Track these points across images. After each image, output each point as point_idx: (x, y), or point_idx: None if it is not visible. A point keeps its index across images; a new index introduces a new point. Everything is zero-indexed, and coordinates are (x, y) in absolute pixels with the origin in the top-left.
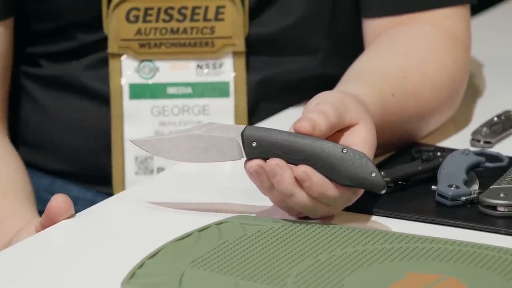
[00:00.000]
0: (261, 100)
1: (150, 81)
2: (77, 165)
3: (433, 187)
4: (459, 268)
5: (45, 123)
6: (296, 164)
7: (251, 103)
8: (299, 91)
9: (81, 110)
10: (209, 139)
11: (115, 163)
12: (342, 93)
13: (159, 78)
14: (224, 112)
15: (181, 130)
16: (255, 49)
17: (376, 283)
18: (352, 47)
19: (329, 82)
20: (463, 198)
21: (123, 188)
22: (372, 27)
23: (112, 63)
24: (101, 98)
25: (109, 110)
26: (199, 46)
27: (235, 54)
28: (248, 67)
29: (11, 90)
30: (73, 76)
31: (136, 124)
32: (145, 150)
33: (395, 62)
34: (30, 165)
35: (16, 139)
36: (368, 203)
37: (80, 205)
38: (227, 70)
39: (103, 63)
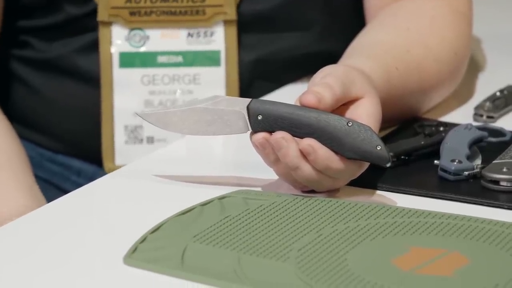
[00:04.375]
0: (256, 78)
1: (140, 50)
2: (75, 146)
3: (435, 161)
4: (462, 242)
5: (39, 106)
6: (301, 137)
7: (246, 81)
8: (295, 69)
9: (74, 93)
10: (214, 112)
11: (104, 132)
12: (348, 67)
13: (149, 47)
14: (215, 82)
15: (186, 103)
16: (249, 26)
17: (379, 257)
18: (348, 22)
19: (325, 59)
20: (466, 172)
21: (112, 157)
22: (374, 2)
23: (102, 31)
24: (94, 80)
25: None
26: (190, 15)
27: (226, 22)
28: (243, 45)
29: (5, 75)
30: (64, 58)
31: (126, 93)
32: (150, 123)
33: (398, 36)
34: (30, 141)
35: (13, 120)
36: (371, 178)
37: (83, 177)
38: (218, 38)
39: (94, 46)
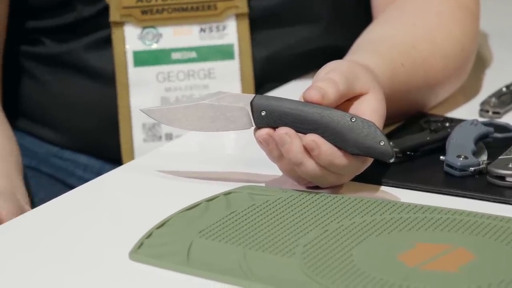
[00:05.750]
0: (268, 75)
1: (154, 48)
2: (83, 141)
3: (441, 157)
4: (468, 238)
5: (47, 101)
6: (305, 133)
7: (258, 79)
8: (304, 65)
9: (84, 89)
10: (218, 108)
11: (122, 131)
12: (352, 62)
13: (163, 44)
14: (230, 75)
15: (190, 99)
16: (259, 22)
17: (384, 253)
18: (354, 17)
19: (333, 54)
20: (472, 168)
21: (132, 156)
22: None
23: (115, 31)
24: (104, 77)
25: (112, 89)
26: (202, 10)
27: (238, 16)
28: (254, 42)
29: (15, 71)
30: (75, 55)
31: (142, 91)
32: (155, 120)
33: (404, 32)
34: (36, 137)
35: (21, 115)
36: (376, 173)
37: (88, 172)
38: (231, 32)
39: (105, 42)
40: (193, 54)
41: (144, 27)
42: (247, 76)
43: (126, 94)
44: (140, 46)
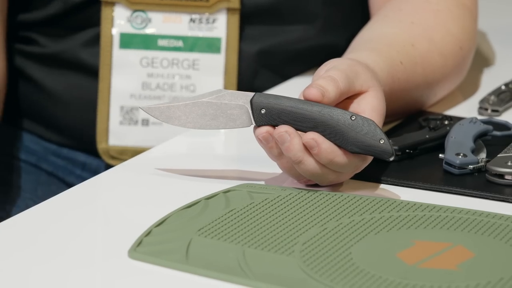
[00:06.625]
0: (260, 70)
1: (141, 32)
2: (77, 139)
3: (440, 155)
4: (467, 236)
5: (43, 99)
6: (305, 131)
7: (249, 73)
8: (298, 62)
9: (78, 86)
10: (218, 106)
11: (100, 112)
12: (352, 60)
13: (150, 29)
14: (214, 69)
15: (190, 97)
16: (253, 17)
17: (383, 251)
18: (351, 15)
19: (328, 52)
20: (471, 166)
21: (106, 137)
22: None
23: (104, 11)
24: (97, 73)
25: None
26: (193, 0)
27: (229, 10)
28: (246, 36)
29: (10, 69)
30: (69, 53)
31: (124, 74)
32: (154, 117)
33: (402, 30)
34: (35, 135)
35: (19, 114)
36: (375, 171)
37: (86, 170)
38: (220, 26)
39: (97, 40)
40: (180, 43)
41: (134, 10)
42: (231, 71)
43: (108, 75)
44: (127, 29)
